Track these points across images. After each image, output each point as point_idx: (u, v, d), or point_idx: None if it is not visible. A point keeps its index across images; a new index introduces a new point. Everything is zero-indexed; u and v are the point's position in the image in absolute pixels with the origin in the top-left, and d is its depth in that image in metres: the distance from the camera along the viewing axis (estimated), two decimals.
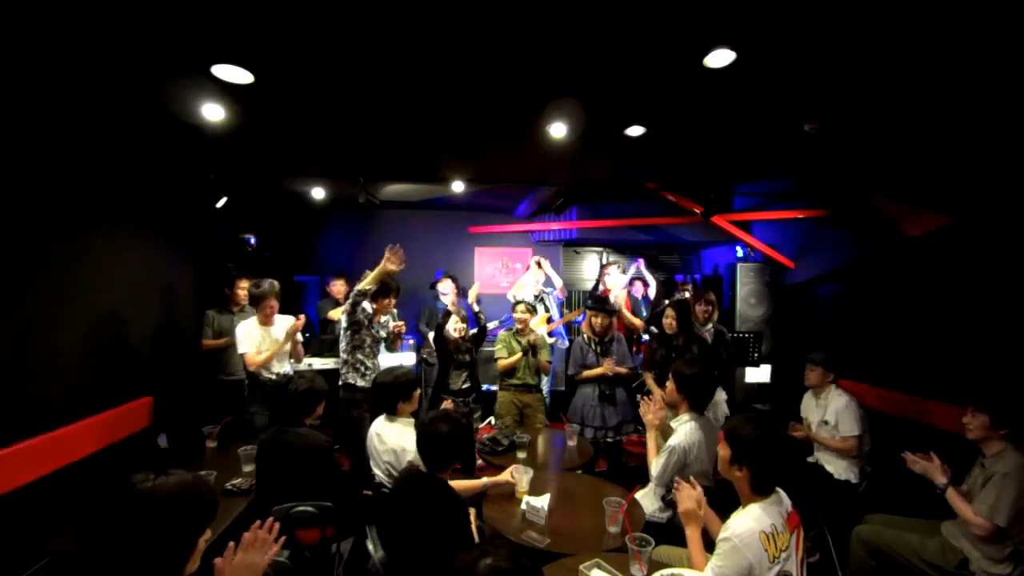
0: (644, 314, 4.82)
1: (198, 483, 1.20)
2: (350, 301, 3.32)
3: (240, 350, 3.21)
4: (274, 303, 3.27)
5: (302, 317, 3.44)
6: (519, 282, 4.99)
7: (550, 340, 4.72)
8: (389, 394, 2.59)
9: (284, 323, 3.37)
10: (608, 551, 1.89)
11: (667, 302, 3.85)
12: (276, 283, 3.29)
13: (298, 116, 2.95)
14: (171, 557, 1.10)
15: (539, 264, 4.97)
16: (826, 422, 3.05)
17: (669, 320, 3.55)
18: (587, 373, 3.60)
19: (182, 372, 3.55)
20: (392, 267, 3.23)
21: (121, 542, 1.05)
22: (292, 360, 3.47)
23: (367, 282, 3.27)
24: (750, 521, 1.55)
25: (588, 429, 3.51)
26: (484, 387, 4.09)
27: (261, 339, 3.25)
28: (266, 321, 3.29)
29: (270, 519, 1.45)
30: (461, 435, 1.98)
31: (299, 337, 3.46)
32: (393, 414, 2.59)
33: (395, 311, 3.73)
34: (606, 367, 3.50)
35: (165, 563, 1.09)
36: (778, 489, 1.66)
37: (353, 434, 3.15)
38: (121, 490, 1.09)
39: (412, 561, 1.81)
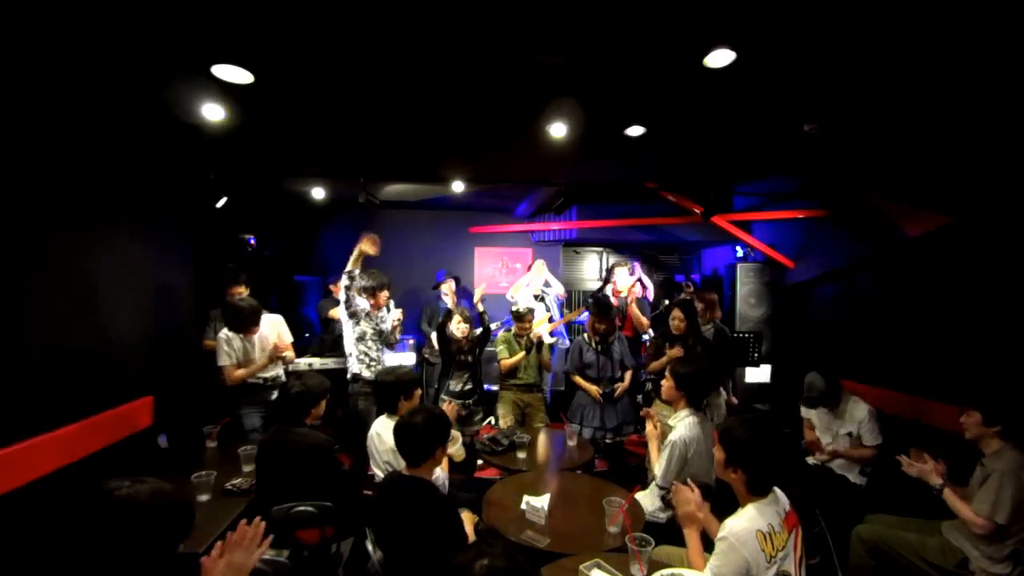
0: (649, 314, 4.83)
1: (174, 493, 1.17)
2: (343, 285, 3.38)
3: (219, 362, 3.16)
4: (254, 329, 3.23)
5: (289, 349, 3.45)
6: (517, 283, 4.99)
7: (550, 340, 4.73)
8: (390, 392, 2.60)
9: (269, 322, 3.35)
10: (608, 551, 1.89)
11: (667, 302, 3.86)
12: (252, 305, 3.21)
13: (298, 116, 2.95)
14: (149, 566, 1.09)
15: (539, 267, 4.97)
16: (849, 433, 3.00)
17: (677, 322, 3.54)
18: (580, 383, 3.61)
19: (182, 372, 3.55)
20: (367, 249, 3.29)
21: (101, 548, 1.03)
22: (283, 363, 3.46)
23: (351, 264, 3.36)
24: (746, 521, 1.55)
25: (587, 429, 3.52)
26: (485, 387, 4.10)
27: (241, 349, 3.21)
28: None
29: (257, 518, 1.43)
30: (436, 426, 1.99)
31: (286, 342, 3.46)
32: (394, 413, 2.60)
33: (392, 302, 3.75)
34: (596, 393, 3.55)
35: (144, 571, 1.08)
36: (775, 489, 1.67)
37: (359, 426, 3.16)
38: (97, 497, 1.07)
39: (408, 561, 1.82)
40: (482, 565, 1.10)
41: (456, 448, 2.61)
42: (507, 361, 3.72)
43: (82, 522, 1.05)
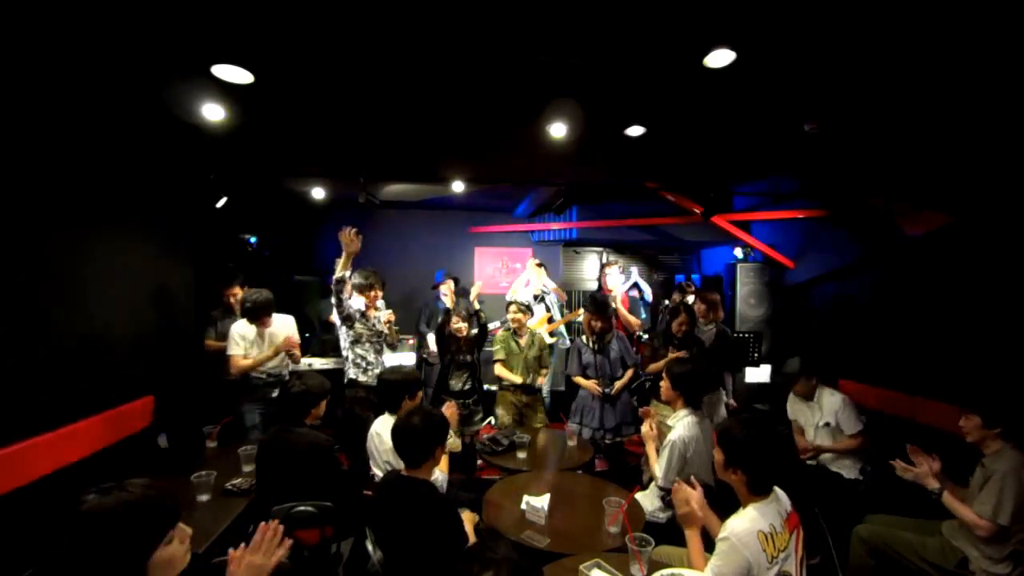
0: (643, 315, 4.84)
1: (144, 498, 1.15)
2: (334, 290, 3.36)
3: (228, 351, 3.19)
4: (267, 320, 3.26)
5: (296, 341, 3.43)
6: (513, 286, 4.98)
7: (551, 340, 4.73)
8: (394, 391, 2.59)
9: (282, 322, 3.36)
10: (608, 551, 1.89)
11: (667, 303, 3.86)
12: (268, 296, 3.25)
13: (298, 116, 2.95)
14: (123, 571, 1.10)
15: (538, 264, 4.97)
16: (827, 424, 3.03)
17: (680, 323, 3.55)
18: (581, 382, 3.61)
19: (182, 372, 3.55)
20: (350, 249, 3.27)
21: (70, 560, 1.05)
22: (288, 363, 3.45)
23: (340, 269, 3.32)
24: (748, 521, 1.55)
25: (586, 429, 3.52)
26: (483, 387, 4.09)
27: (254, 342, 3.23)
28: (263, 323, 3.30)
29: (275, 521, 1.44)
30: (434, 427, 1.98)
31: (295, 339, 3.46)
32: (396, 412, 2.59)
33: (382, 302, 3.73)
34: (592, 387, 3.54)
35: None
36: (776, 489, 1.67)
37: (355, 432, 3.15)
38: (70, 508, 1.09)
39: (408, 562, 1.82)
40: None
41: (451, 441, 2.61)
42: (501, 371, 3.73)
43: (61, 536, 1.07)
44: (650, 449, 2.62)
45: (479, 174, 4.37)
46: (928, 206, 3.43)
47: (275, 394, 3.31)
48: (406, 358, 4.76)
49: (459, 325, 3.66)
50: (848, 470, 2.96)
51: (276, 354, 3.26)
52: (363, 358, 3.47)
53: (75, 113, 2.58)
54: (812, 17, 1.82)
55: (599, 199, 5.71)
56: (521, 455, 2.92)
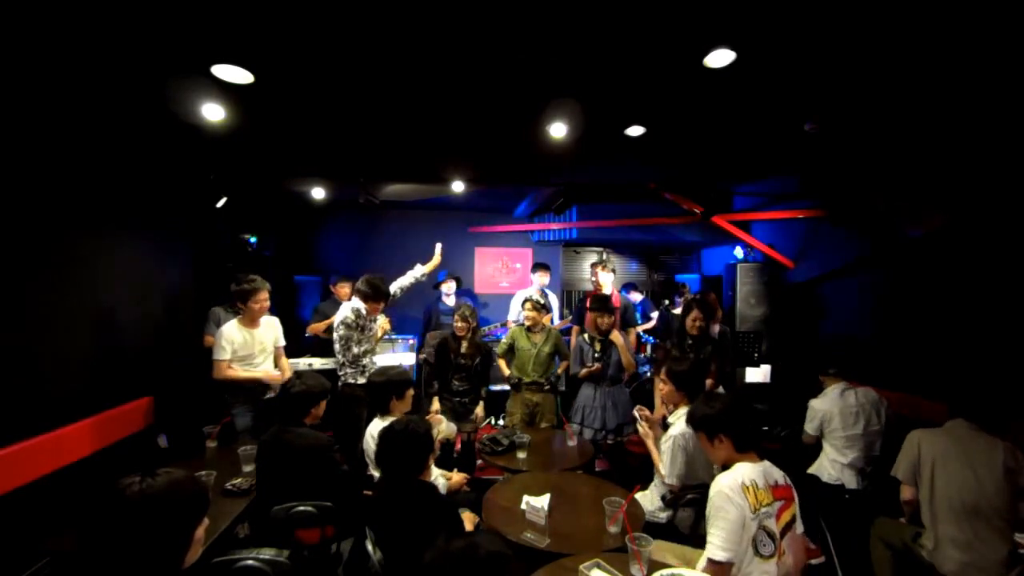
0: (639, 320, 4.85)
1: (186, 480, 1.20)
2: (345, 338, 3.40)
3: (214, 356, 3.02)
4: (264, 296, 3.10)
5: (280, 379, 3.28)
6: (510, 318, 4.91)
7: None
8: (382, 393, 2.59)
9: (270, 323, 3.29)
10: (608, 551, 1.89)
11: (666, 302, 3.84)
12: (262, 280, 3.16)
13: (298, 116, 2.95)
14: (168, 553, 1.12)
15: (539, 267, 4.98)
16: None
17: (693, 320, 3.47)
18: (583, 373, 3.61)
19: (182, 372, 3.55)
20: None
21: (117, 545, 1.06)
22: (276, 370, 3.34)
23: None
24: (733, 472, 1.68)
25: (587, 430, 3.51)
26: (490, 387, 4.08)
27: (243, 344, 3.09)
28: (252, 322, 3.14)
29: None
30: (414, 446, 1.94)
31: (283, 342, 3.41)
32: (386, 414, 2.59)
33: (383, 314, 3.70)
34: (586, 370, 3.55)
35: (163, 560, 1.11)
36: (767, 462, 1.77)
37: (351, 431, 3.14)
38: (110, 494, 1.09)
39: (408, 562, 1.82)
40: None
41: (443, 428, 2.60)
42: (500, 363, 3.78)
43: (100, 521, 1.07)
44: (651, 448, 2.62)
45: (479, 174, 4.37)
46: (928, 206, 3.43)
47: (267, 396, 3.27)
48: (406, 358, 4.76)
49: (460, 324, 3.67)
50: (826, 474, 2.93)
51: (260, 380, 3.16)
52: (366, 367, 3.51)
53: (75, 113, 2.59)
54: (812, 18, 1.82)
55: (599, 199, 5.71)
56: (521, 455, 2.92)
